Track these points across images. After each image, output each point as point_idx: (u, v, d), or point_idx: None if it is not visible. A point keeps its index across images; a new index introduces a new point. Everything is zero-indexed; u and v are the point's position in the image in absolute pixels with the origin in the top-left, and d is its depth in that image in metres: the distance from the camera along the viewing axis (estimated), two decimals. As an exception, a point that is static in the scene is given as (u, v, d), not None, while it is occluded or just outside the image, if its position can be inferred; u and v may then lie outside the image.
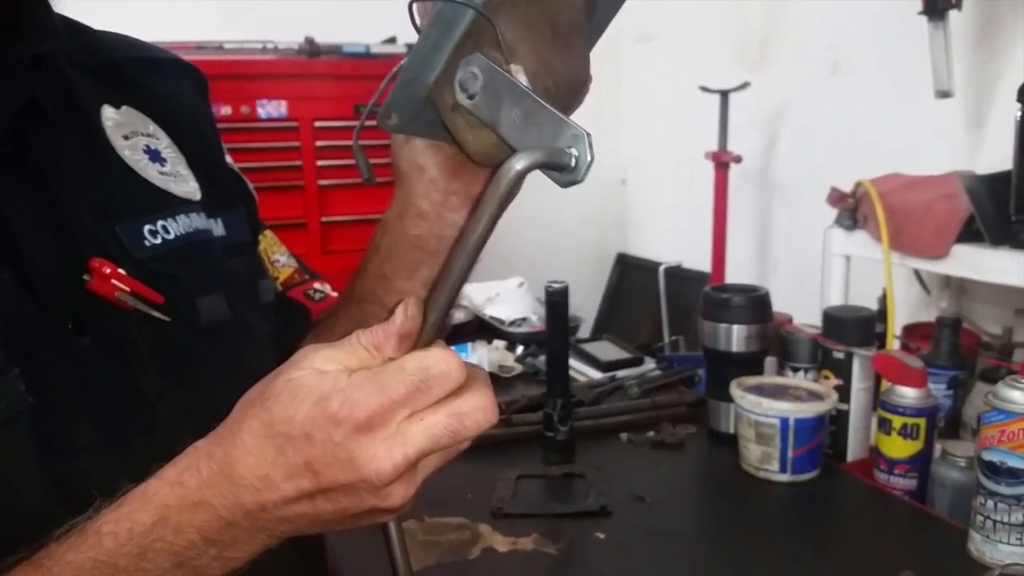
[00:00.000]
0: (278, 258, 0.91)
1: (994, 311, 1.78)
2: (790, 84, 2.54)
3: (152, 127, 0.73)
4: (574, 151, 0.48)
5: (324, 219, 2.63)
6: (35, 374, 0.56)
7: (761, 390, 1.21)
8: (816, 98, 2.43)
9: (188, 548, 0.49)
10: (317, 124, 2.58)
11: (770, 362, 1.36)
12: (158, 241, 0.67)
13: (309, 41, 2.66)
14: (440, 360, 0.47)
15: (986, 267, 1.48)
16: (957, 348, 1.40)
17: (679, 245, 3.12)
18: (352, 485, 0.47)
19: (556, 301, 1.23)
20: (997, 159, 1.58)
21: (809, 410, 1.16)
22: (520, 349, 1.74)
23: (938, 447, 1.12)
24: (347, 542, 1.01)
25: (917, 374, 1.13)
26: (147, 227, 0.67)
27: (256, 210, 0.85)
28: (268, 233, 0.89)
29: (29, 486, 0.55)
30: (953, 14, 1.67)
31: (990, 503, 0.93)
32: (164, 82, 0.77)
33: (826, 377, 1.25)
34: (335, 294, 0.91)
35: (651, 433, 1.34)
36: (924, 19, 1.69)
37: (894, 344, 1.53)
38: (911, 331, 1.66)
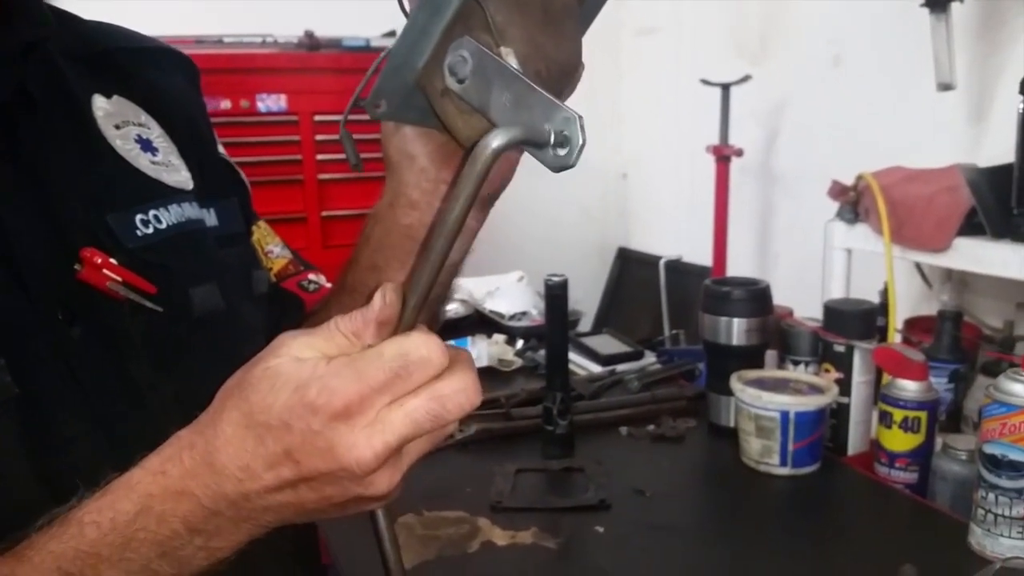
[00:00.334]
0: (272, 249, 0.91)
1: (995, 304, 1.78)
2: (791, 77, 2.53)
3: (143, 117, 0.72)
4: (565, 133, 0.47)
5: (324, 213, 2.63)
6: (22, 365, 0.56)
7: (761, 383, 1.20)
8: (817, 91, 2.43)
9: (172, 538, 0.48)
10: (317, 118, 2.58)
11: (771, 355, 1.35)
12: (150, 231, 0.66)
13: (309, 35, 2.65)
14: (420, 345, 0.46)
15: (987, 260, 1.47)
16: (958, 341, 1.39)
17: (680, 239, 3.11)
18: (333, 474, 0.47)
19: (555, 295, 1.23)
20: (999, 152, 1.57)
21: (810, 403, 1.16)
22: (520, 343, 1.74)
23: (939, 441, 1.12)
24: (343, 533, 1.01)
25: (918, 367, 1.13)
26: (139, 217, 0.66)
27: (249, 200, 0.84)
28: (262, 224, 0.89)
29: (16, 478, 0.55)
30: (955, 6, 1.66)
31: (991, 496, 0.93)
32: (155, 72, 0.76)
33: (827, 370, 1.25)
34: (329, 285, 0.91)
35: (651, 427, 1.34)
36: (925, 12, 1.68)
37: (895, 338, 1.53)
38: (912, 325, 1.65)
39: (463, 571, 0.97)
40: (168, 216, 0.68)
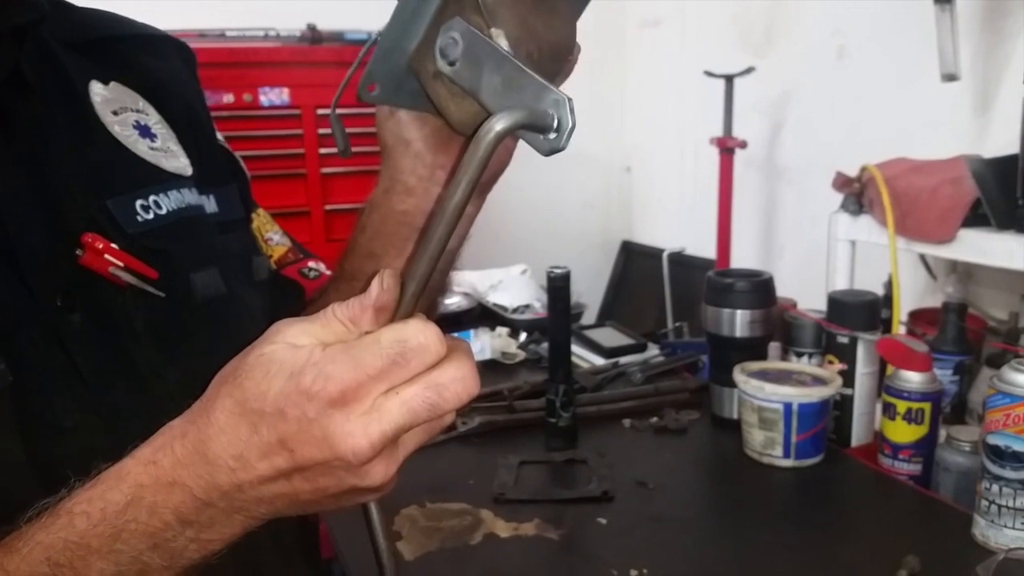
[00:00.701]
0: (271, 236, 0.91)
1: (1000, 296, 1.77)
2: (795, 69, 2.52)
3: (141, 103, 0.72)
4: (555, 115, 0.46)
5: (327, 207, 2.62)
6: (17, 352, 0.56)
7: (765, 375, 1.20)
8: (821, 83, 2.42)
9: (163, 529, 0.47)
10: (320, 112, 2.57)
11: (774, 347, 1.35)
12: (150, 216, 0.66)
13: (311, 28, 2.65)
14: (418, 332, 0.46)
15: (992, 251, 1.46)
16: (963, 333, 1.39)
17: (684, 232, 3.11)
18: (328, 463, 0.46)
19: (558, 287, 1.23)
20: (1004, 143, 1.57)
21: (813, 395, 1.15)
22: (523, 336, 1.74)
23: (943, 432, 1.12)
24: (347, 527, 1.01)
25: (922, 358, 1.12)
26: (139, 202, 0.66)
27: (248, 188, 0.84)
28: (261, 212, 0.89)
29: (11, 466, 0.55)
30: (960, -4, 1.65)
31: (995, 487, 0.93)
32: (152, 59, 0.76)
33: (830, 362, 1.25)
34: (329, 273, 0.90)
35: (654, 419, 1.34)
36: (930, 2, 1.67)
37: (900, 330, 1.52)
38: (917, 317, 1.65)
39: (466, 563, 0.97)
40: (168, 202, 0.68)
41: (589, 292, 3.16)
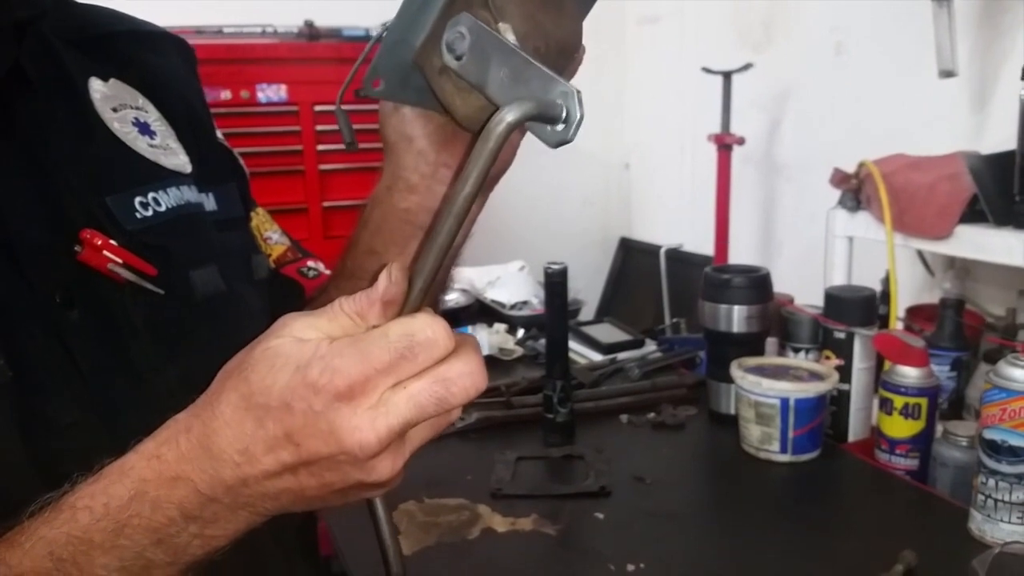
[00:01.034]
0: (270, 235, 0.90)
1: (998, 292, 1.77)
2: (793, 65, 2.52)
3: (141, 100, 0.72)
4: (564, 107, 0.46)
5: (325, 204, 2.62)
6: (17, 348, 0.55)
7: (762, 371, 1.20)
8: (819, 79, 2.42)
9: (167, 524, 0.47)
10: (317, 108, 2.57)
11: (771, 343, 1.35)
12: (149, 213, 0.66)
13: (309, 25, 2.65)
14: (426, 326, 0.45)
15: (990, 247, 1.47)
16: (961, 329, 1.39)
17: (683, 228, 3.11)
18: (334, 457, 0.45)
19: (555, 282, 1.23)
20: (1001, 139, 1.57)
21: (810, 390, 1.16)
22: (521, 332, 1.74)
23: (939, 427, 1.12)
24: (346, 524, 1.01)
25: (918, 354, 1.13)
26: (138, 199, 0.66)
27: (248, 186, 0.83)
28: (260, 210, 0.88)
29: (10, 463, 0.54)
30: (957, -7, 1.65)
31: (991, 482, 0.93)
32: (152, 55, 0.76)
33: (827, 357, 1.25)
34: (328, 272, 0.90)
35: (651, 415, 1.34)
36: (928, -2, 1.67)
37: (897, 326, 1.52)
38: (914, 313, 1.65)
39: (463, 557, 0.97)
40: (167, 199, 0.68)
41: (587, 288, 3.17)
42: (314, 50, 2.62)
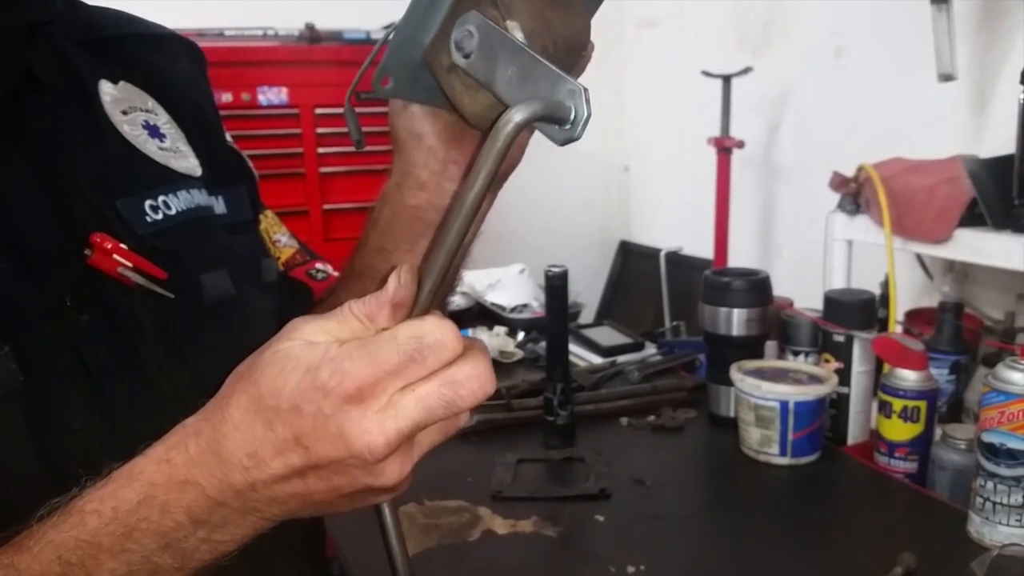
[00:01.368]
0: (279, 238, 0.91)
1: (996, 296, 1.77)
2: (793, 69, 2.52)
3: (151, 103, 0.71)
4: (570, 106, 0.46)
5: (326, 207, 2.62)
6: (28, 352, 0.55)
7: (761, 373, 1.20)
8: (819, 83, 2.42)
9: (175, 529, 0.47)
10: (318, 111, 2.57)
11: (771, 346, 1.36)
12: (159, 217, 0.66)
13: (310, 27, 2.65)
14: (435, 329, 0.45)
15: (989, 251, 1.47)
16: (959, 333, 1.40)
17: (682, 231, 3.11)
18: (343, 461, 0.45)
19: (555, 285, 1.23)
20: (1000, 143, 1.57)
21: (809, 393, 1.16)
22: (521, 335, 1.74)
23: (938, 430, 1.12)
24: (350, 529, 1.01)
25: (917, 357, 1.13)
26: (148, 202, 0.65)
27: (257, 189, 0.83)
28: (269, 213, 0.88)
29: (21, 466, 0.54)
30: (956, -3, 1.65)
31: (990, 484, 0.93)
32: (162, 58, 0.76)
33: (827, 360, 1.25)
34: (337, 274, 0.90)
35: (651, 417, 1.35)
36: (927, 2, 1.67)
37: (896, 329, 1.53)
38: (914, 316, 1.66)
39: (464, 559, 0.97)
40: (177, 202, 0.68)
41: (587, 291, 3.17)
42: (315, 53, 2.62)
